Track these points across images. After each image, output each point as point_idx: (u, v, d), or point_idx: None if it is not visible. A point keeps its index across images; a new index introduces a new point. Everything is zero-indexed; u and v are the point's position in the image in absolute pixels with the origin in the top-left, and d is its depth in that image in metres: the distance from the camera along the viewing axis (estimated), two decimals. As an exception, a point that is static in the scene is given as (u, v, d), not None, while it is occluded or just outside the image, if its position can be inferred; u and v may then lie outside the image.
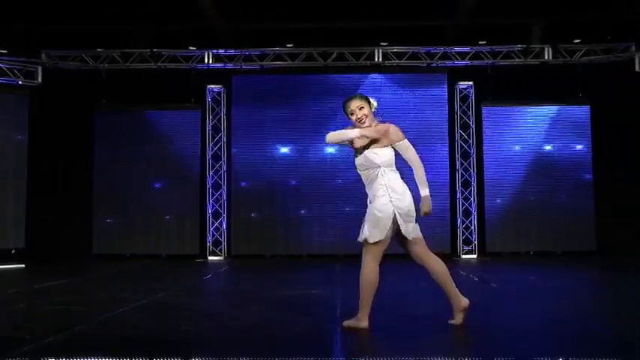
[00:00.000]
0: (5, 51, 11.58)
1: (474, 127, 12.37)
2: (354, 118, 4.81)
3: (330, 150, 12.23)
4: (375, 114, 4.76)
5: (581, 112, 12.22)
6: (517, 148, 12.22)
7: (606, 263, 10.67)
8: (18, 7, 10.83)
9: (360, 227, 4.50)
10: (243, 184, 12.36)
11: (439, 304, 5.87)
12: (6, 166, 11.19)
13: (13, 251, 11.06)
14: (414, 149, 4.64)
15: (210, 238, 12.27)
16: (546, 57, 11.64)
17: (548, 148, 12.23)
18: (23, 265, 10.41)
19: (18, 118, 11.33)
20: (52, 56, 11.53)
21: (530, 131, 12.22)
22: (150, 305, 5.67)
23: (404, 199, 4.55)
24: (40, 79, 11.17)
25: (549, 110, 12.25)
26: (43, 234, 11.87)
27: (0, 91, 11.03)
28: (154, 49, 11.56)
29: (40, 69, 11.18)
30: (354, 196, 12.04)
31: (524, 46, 11.66)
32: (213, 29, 11.74)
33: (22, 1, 10.59)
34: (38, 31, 11.81)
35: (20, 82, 11.03)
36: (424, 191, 4.62)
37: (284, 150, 12.34)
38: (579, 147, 12.19)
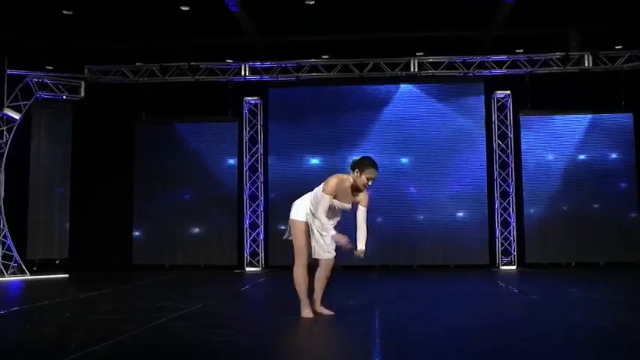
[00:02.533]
0: (51, 67, 11.98)
1: (511, 136, 12.22)
2: (367, 183, 5.48)
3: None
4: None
5: (624, 120, 11.94)
6: (557, 157, 12.01)
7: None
8: (63, 26, 11.21)
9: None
10: (280, 194, 12.42)
11: (477, 315, 5.81)
12: (51, 179, 11.55)
13: (57, 261, 11.37)
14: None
15: (247, 249, 12.37)
16: (586, 64, 11.44)
17: (589, 157, 11.96)
18: (67, 275, 10.67)
19: (62, 131, 11.71)
20: (95, 71, 11.86)
21: (571, 140, 12.00)
22: (191, 314, 5.75)
23: None
24: (82, 94, 11.49)
25: (590, 118, 12.01)
26: (86, 244, 12.19)
27: (46, 106, 11.40)
28: (192, 63, 11.77)
29: (83, 83, 11.51)
30: (390, 207, 12.06)
31: (562, 53, 11.48)
32: (250, 42, 11.91)
33: (67, 21, 10.96)
34: (82, 49, 12.19)
35: (64, 97, 11.36)
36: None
37: (320, 161, 12.38)
38: (622, 156, 11.90)
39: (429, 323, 5.31)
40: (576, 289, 8.28)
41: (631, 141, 11.89)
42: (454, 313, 6.03)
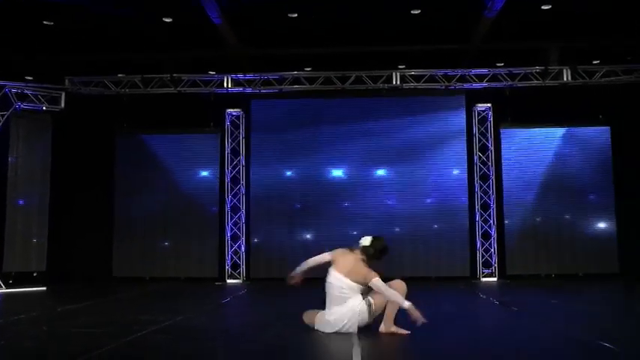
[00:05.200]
0: (31, 77, 11.86)
1: (492, 149, 12.34)
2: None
3: (340, 173, 12.27)
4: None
5: (602, 133, 12.14)
6: (536, 170, 12.15)
7: (630, 286, 10.48)
8: (44, 37, 11.11)
9: None
10: (261, 207, 12.39)
11: (457, 326, 5.82)
12: (31, 190, 11.38)
13: (34, 274, 11.19)
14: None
15: (228, 261, 12.30)
16: (565, 78, 11.62)
17: (567, 169, 12.13)
18: (44, 288, 10.49)
19: (42, 142, 11.56)
20: (75, 82, 11.77)
21: (550, 153, 12.17)
22: (171, 327, 5.69)
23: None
24: (63, 105, 11.37)
25: (569, 132, 12.20)
26: (64, 257, 12.02)
27: (25, 117, 11.27)
28: (174, 74, 11.73)
29: (63, 95, 11.39)
30: (371, 220, 12.08)
31: (542, 67, 11.65)
32: (233, 54, 11.90)
33: (48, 31, 10.87)
34: (63, 60, 12.08)
35: (44, 108, 11.24)
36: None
37: (302, 173, 12.38)
38: (599, 168, 12.09)
39: (408, 337, 5.30)
40: (556, 300, 8.34)
41: (608, 154, 12.09)
42: (433, 325, 6.02)
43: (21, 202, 11.26)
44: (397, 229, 12.19)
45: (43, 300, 8.99)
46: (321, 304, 5.25)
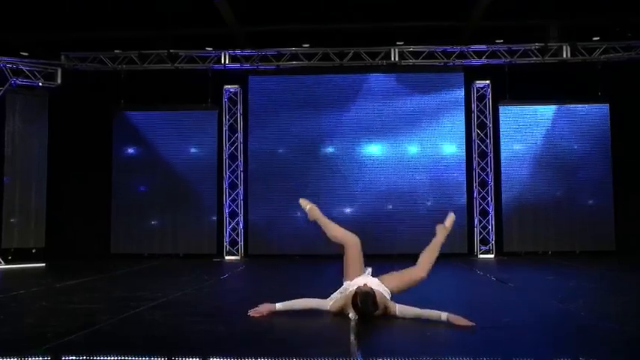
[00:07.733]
0: (26, 53, 11.76)
1: (491, 126, 12.31)
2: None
3: (338, 150, 12.26)
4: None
5: (600, 110, 12.10)
6: (535, 147, 12.13)
7: (626, 263, 10.54)
8: (40, 12, 10.99)
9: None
10: (259, 183, 12.39)
11: (454, 303, 5.86)
12: (28, 167, 11.37)
13: (33, 250, 11.24)
14: None
15: (227, 238, 12.34)
16: (564, 55, 11.56)
17: (566, 147, 12.11)
18: (44, 265, 10.54)
19: (38, 119, 11.52)
20: (72, 58, 11.68)
21: (548, 130, 12.13)
22: (169, 304, 5.73)
23: None
24: (59, 81, 11.31)
25: (568, 109, 12.15)
26: (63, 233, 12.05)
27: (21, 93, 11.20)
28: (171, 50, 11.64)
29: (59, 70, 11.32)
30: (370, 197, 12.10)
31: (541, 44, 11.57)
32: (230, 30, 11.80)
33: (44, 6, 10.74)
34: (59, 37, 11.97)
35: (40, 84, 11.17)
36: None
37: (300, 149, 12.36)
38: (598, 146, 12.07)
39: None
40: (552, 277, 8.40)
41: (606, 131, 12.07)
42: (432, 301, 6.06)
43: (18, 177, 11.25)
44: (394, 206, 12.21)
45: (42, 276, 9.02)
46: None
